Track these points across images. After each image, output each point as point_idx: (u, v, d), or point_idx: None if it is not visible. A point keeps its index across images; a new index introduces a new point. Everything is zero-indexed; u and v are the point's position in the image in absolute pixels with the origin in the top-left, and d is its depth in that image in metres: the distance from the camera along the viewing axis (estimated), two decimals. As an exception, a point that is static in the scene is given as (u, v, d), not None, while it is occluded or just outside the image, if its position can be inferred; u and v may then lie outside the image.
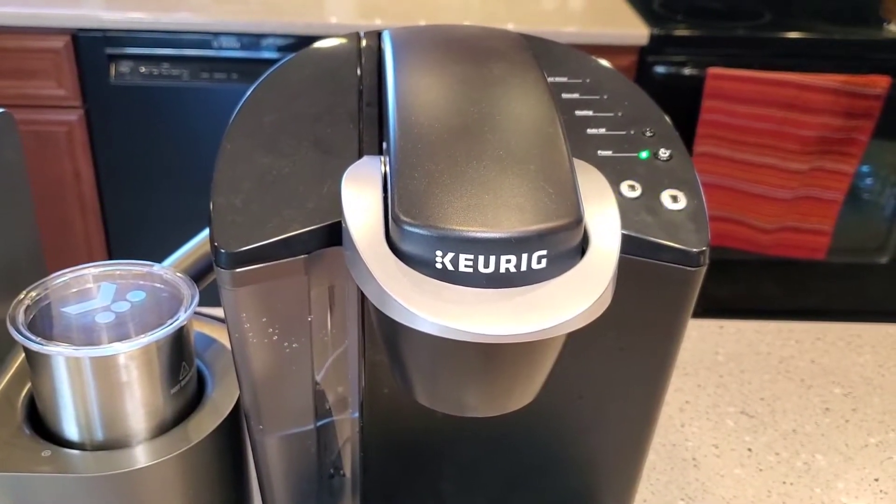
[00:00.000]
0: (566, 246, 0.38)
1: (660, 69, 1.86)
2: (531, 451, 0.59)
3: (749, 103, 1.84)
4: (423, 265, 0.38)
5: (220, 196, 0.47)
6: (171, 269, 0.57)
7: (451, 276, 0.38)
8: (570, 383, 0.54)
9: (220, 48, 1.81)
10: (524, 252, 0.37)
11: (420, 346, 0.42)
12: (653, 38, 1.82)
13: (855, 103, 1.82)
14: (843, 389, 0.83)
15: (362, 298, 0.50)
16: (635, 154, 0.51)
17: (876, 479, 0.73)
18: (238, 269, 0.46)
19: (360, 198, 0.42)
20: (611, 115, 0.53)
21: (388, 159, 0.42)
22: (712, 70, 1.80)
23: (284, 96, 0.52)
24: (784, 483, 0.72)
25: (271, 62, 0.55)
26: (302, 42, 1.75)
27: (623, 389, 0.54)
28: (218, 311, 0.49)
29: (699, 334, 0.90)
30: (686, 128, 1.87)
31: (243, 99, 0.53)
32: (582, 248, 0.40)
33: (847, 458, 0.75)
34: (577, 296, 0.37)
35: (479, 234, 0.37)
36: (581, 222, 0.39)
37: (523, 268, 0.38)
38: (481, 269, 0.37)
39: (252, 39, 1.78)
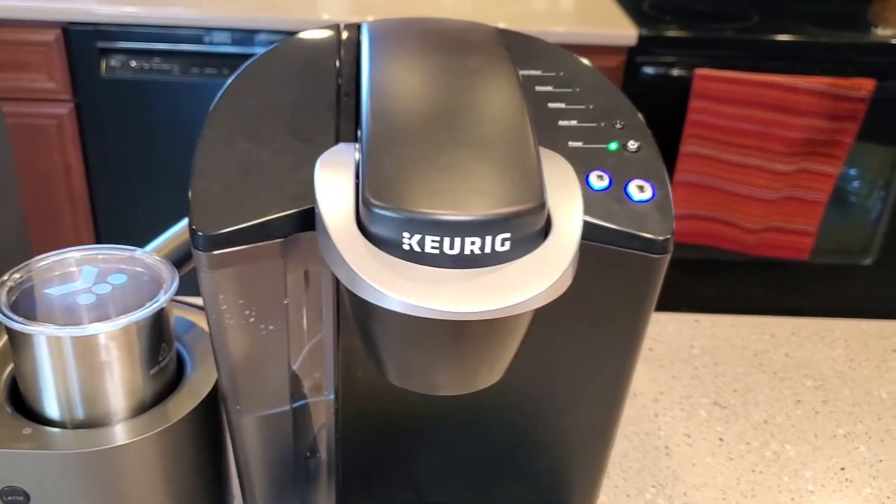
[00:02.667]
0: (529, 229, 0.40)
1: (648, 70, 1.88)
2: (504, 435, 0.60)
3: (736, 104, 1.85)
4: (391, 247, 0.40)
5: (200, 180, 0.49)
6: (152, 253, 0.59)
7: (418, 257, 0.39)
8: (538, 369, 0.55)
9: (212, 43, 1.82)
10: (488, 234, 0.39)
11: (390, 325, 0.43)
12: (641, 38, 1.84)
13: (840, 106, 1.84)
14: (814, 382, 0.85)
15: (337, 283, 0.52)
16: (605, 145, 0.52)
17: (842, 468, 0.75)
18: (215, 252, 0.47)
19: (333, 183, 0.43)
20: (582, 107, 0.54)
21: (360, 145, 0.44)
22: (700, 71, 1.82)
23: (265, 85, 0.54)
24: (753, 471, 0.74)
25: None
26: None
27: (591, 375, 0.55)
28: (199, 300, 0.51)
29: (676, 328, 0.92)
30: (673, 128, 1.89)
31: (224, 87, 0.54)
32: (545, 231, 0.41)
33: (815, 447, 0.77)
34: (538, 277, 0.39)
35: (444, 217, 0.38)
36: (544, 207, 0.40)
37: (487, 250, 0.39)
38: (447, 250, 0.39)
39: (244, 35, 1.79)
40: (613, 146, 0.52)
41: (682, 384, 0.84)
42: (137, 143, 1.90)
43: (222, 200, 0.48)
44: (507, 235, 0.39)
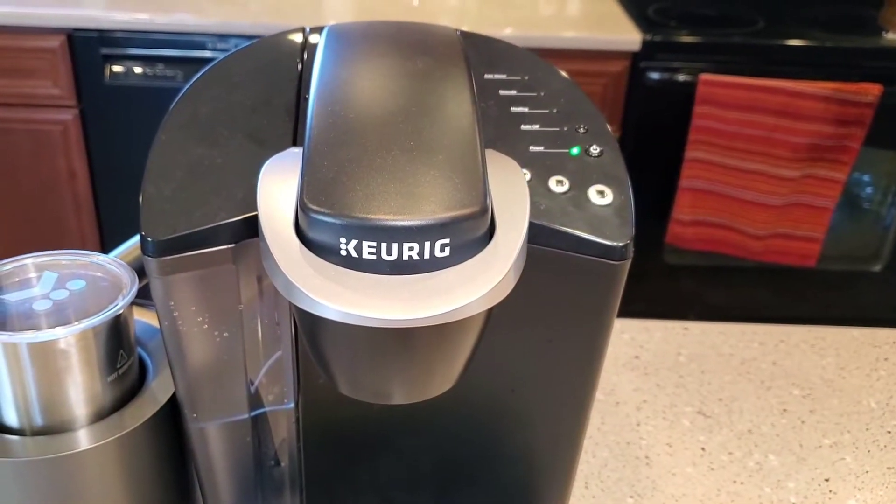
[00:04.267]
0: (470, 234, 0.39)
1: (653, 75, 1.86)
2: (468, 444, 0.59)
3: (741, 110, 1.84)
4: (328, 253, 0.39)
5: (151, 185, 0.48)
6: (113, 258, 0.58)
7: (356, 264, 0.39)
8: (501, 377, 0.54)
9: (216, 50, 1.82)
10: (426, 240, 0.38)
11: (333, 335, 0.43)
12: (645, 43, 1.83)
13: (847, 111, 1.82)
14: (802, 391, 0.83)
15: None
16: (567, 150, 0.51)
17: (826, 479, 0.73)
18: (164, 258, 0.47)
19: (276, 188, 0.43)
20: (546, 111, 0.53)
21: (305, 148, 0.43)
22: (704, 76, 1.80)
23: (223, 88, 0.53)
24: (734, 482, 0.73)
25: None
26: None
27: (554, 383, 0.54)
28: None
29: (663, 335, 0.90)
30: (678, 134, 1.88)
31: (183, 90, 0.54)
32: (489, 236, 0.40)
33: (800, 458, 0.75)
34: (477, 282, 0.38)
35: (381, 222, 0.38)
36: (486, 212, 0.39)
37: (426, 255, 0.38)
38: (384, 256, 0.38)
39: (247, 41, 1.79)
40: (575, 151, 0.52)
41: (666, 392, 0.83)
42: (141, 148, 1.89)
43: (172, 205, 0.47)
44: (447, 241, 0.38)
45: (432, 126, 0.42)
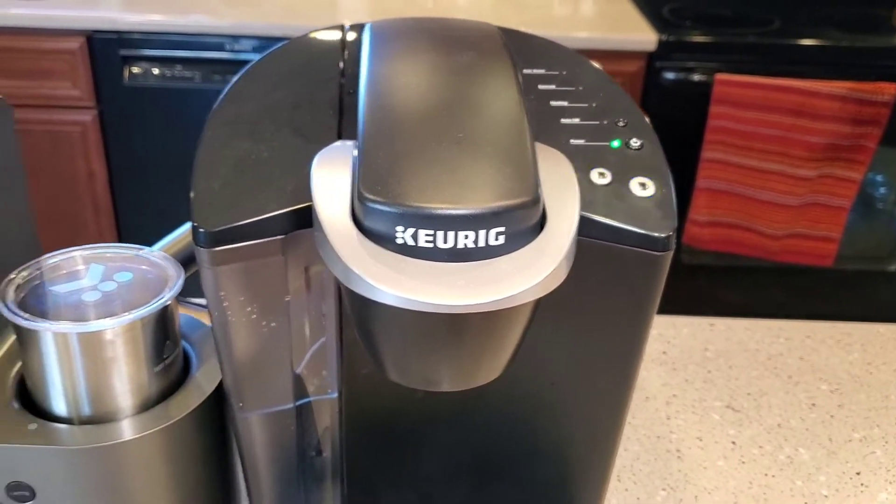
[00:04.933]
0: (523, 224, 0.40)
1: (668, 75, 1.87)
2: (507, 437, 0.60)
3: (757, 109, 1.84)
4: (385, 241, 0.40)
5: (201, 179, 0.49)
6: (157, 252, 0.59)
7: (412, 251, 0.39)
8: (542, 370, 0.55)
9: (233, 51, 1.83)
10: (482, 228, 0.39)
11: (386, 321, 0.43)
12: (661, 43, 1.84)
13: (863, 110, 1.82)
14: (829, 386, 0.84)
15: (338, 280, 0.52)
16: (607, 143, 0.52)
17: (858, 473, 0.74)
18: (216, 248, 0.47)
19: (330, 179, 0.44)
20: (585, 105, 0.54)
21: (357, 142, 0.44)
22: (720, 76, 1.81)
23: (265, 86, 0.54)
24: (766, 475, 0.73)
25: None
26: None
27: (594, 376, 0.55)
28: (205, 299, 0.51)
29: (690, 331, 0.91)
30: (694, 133, 1.88)
31: (226, 88, 0.55)
32: (540, 226, 0.41)
33: (830, 452, 0.76)
34: (532, 270, 0.39)
35: (438, 211, 0.38)
36: (538, 202, 0.40)
37: (481, 243, 0.39)
38: (440, 244, 0.39)
39: (265, 42, 1.81)
40: (616, 144, 0.52)
41: (694, 387, 0.83)
42: (160, 149, 1.92)
43: (222, 198, 0.48)
44: (502, 229, 0.39)
45: (481, 118, 0.43)
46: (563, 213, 0.42)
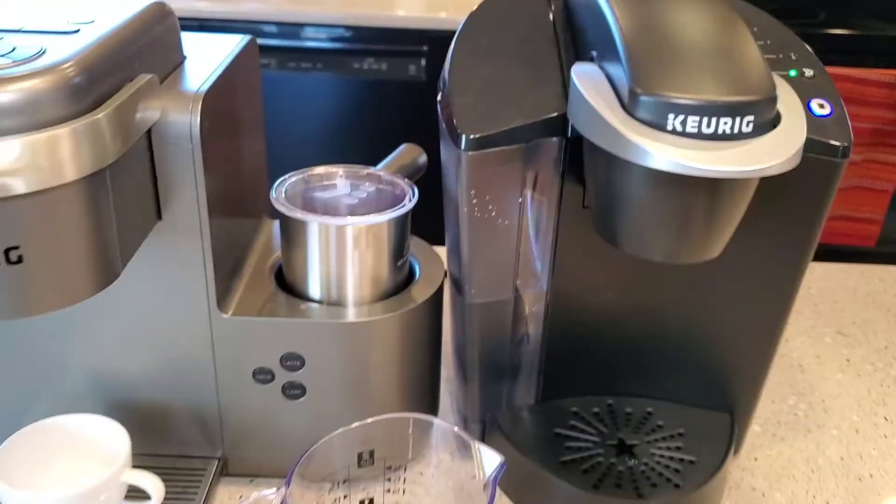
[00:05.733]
0: (766, 116, 0.49)
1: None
2: (683, 331, 0.69)
3: (805, 96, 1.94)
4: (656, 127, 0.49)
5: (457, 97, 0.59)
6: (384, 171, 0.69)
7: (679, 135, 0.49)
8: (722, 268, 0.65)
9: (305, 39, 1.93)
10: (738, 116, 0.48)
11: (645, 191, 0.53)
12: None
13: (907, 97, 1.92)
14: (926, 317, 0.93)
15: (561, 186, 0.62)
16: (786, 72, 0.62)
17: (963, 383, 0.83)
18: (474, 152, 0.57)
19: (590, 85, 0.53)
20: (762, 42, 0.64)
21: (599, 61, 0.54)
22: (772, 63, 1.90)
23: (491, 26, 0.64)
24: (881, 386, 0.83)
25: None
26: (371, 32, 1.89)
27: (770, 267, 0.65)
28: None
29: (792, 273, 1.01)
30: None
31: (459, 29, 0.64)
32: (774, 122, 0.51)
33: (935, 368, 0.86)
34: (778, 150, 0.49)
35: (706, 101, 0.48)
36: (776, 100, 0.50)
37: (736, 129, 0.49)
38: (704, 129, 0.48)
39: (335, 31, 1.91)
40: (793, 73, 0.62)
41: (805, 317, 0.93)
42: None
43: (477, 113, 0.58)
44: (751, 118, 0.49)
45: (722, 35, 0.53)
46: (792, 112, 0.52)
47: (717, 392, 0.72)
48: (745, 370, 0.71)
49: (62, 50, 0.48)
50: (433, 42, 1.92)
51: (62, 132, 0.45)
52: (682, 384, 0.72)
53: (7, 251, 0.46)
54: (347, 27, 1.90)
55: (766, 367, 0.70)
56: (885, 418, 0.79)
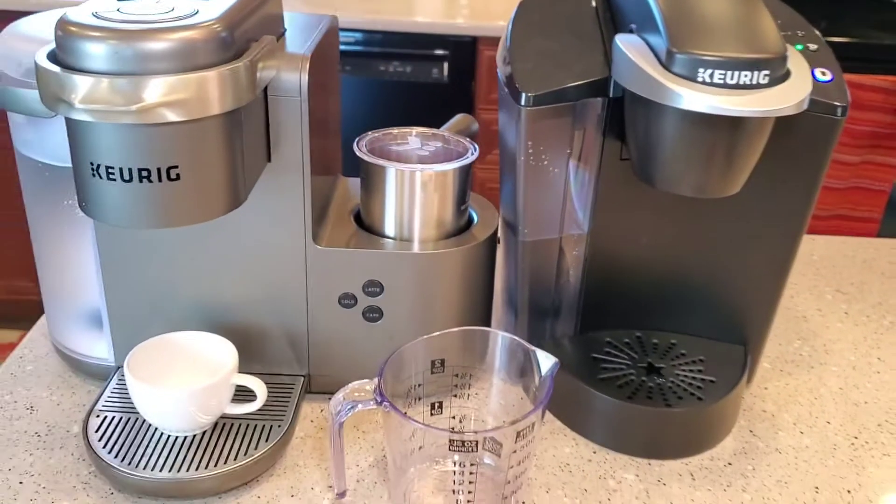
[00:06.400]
0: (779, 71, 0.61)
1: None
2: (702, 271, 0.80)
3: (806, 101, 2.05)
4: (688, 80, 0.61)
5: (517, 62, 0.71)
6: (447, 132, 0.80)
7: (707, 86, 0.60)
8: (734, 211, 0.76)
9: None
10: (756, 69, 0.60)
11: (678, 133, 0.64)
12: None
13: (903, 101, 2.04)
14: (916, 279, 1.04)
15: (603, 140, 0.73)
16: (794, 46, 0.73)
17: (947, 332, 0.94)
18: (532, 108, 0.69)
19: (633, 48, 0.65)
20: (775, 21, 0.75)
21: (639, 32, 0.65)
22: (775, 69, 2.02)
23: (541, 6, 0.75)
24: (875, 333, 0.94)
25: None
26: (396, 37, 2.00)
27: (777, 212, 0.76)
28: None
29: (796, 243, 1.12)
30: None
31: (516, 8, 0.76)
32: (784, 77, 0.62)
33: (923, 320, 0.96)
34: (790, 96, 0.60)
35: (730, 57, 0.59)
36: (786, 58, 0.61)
37: (754, 81, 0.60)
38: (728, 80, 0.60)
39: (361, 35, 2.03)
40: (799, 47, 0.73)
41: (807, 278, 1.04)
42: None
43: (535, 75, 0.69)
44: (767, 72, 0.60)
45: (742, 7, 0.64)
46: (799, 66, 0.63)
47: (732, 327, 0.83)
48: (756, 307, 0.82)
49: (211, 11, 0.59)
50: (455, 47, 2.04)
51: (211, 74, 0.57)
52: (702, 320, 0.83)
53: (168, 169, 0.57)
54: (373, 32, 2.02)
55: (776, 303, 0.81)
56: (879, 358, 0.89)
